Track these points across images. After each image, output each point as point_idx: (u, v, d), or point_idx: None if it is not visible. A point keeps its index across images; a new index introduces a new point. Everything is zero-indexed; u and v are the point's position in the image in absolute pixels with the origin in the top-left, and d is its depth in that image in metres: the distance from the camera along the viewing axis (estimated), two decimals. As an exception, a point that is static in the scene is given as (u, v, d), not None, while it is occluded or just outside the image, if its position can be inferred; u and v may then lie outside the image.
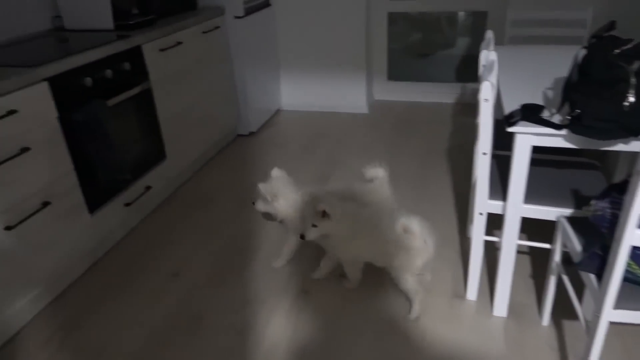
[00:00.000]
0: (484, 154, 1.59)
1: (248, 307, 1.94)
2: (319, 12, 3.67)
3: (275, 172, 2.01)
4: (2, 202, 1.72)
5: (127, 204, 2.37)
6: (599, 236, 1.37)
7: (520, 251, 2.14)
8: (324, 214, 1.77)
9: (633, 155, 1.94)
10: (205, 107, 3.03)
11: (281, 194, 1.97)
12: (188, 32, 2.77)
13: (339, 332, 1.79)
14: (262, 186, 1.98)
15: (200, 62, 2.93)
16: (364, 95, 3.87)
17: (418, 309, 1.83)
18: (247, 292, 2.02)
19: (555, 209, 1.61)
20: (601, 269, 1.30)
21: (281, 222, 2.07)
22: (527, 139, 1.48)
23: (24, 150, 1.78)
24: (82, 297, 2.05)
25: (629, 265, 1.27)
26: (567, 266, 1.59)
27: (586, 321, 1.44)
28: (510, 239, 1.67)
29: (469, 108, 3.87)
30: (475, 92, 3.90)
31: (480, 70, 1.90)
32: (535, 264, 2.07)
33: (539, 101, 1.60)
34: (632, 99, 1.26)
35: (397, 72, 4.08)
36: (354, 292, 1.98)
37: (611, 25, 1.51)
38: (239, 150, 3.37)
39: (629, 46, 1.34)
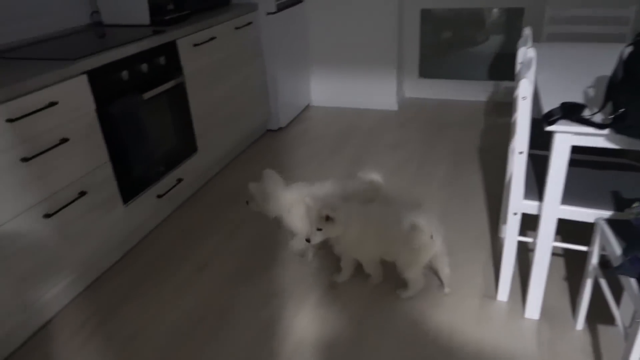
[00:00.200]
0: (521, 153, 1.55)
1: (275, 301, 1.95)
2: (350, 8, 3.65)
3: (267, 173, 2.03)
4: (42, 191, 1.77)
5: (159, 196, 2.41)
6: (641, 240, 1.32)
7: (554, 253, 2.09)
8: (328, 218, 1.77)
9: (677, 157, 1.86)
10: (236, 101, 3.06)
11: (272, 193, 1.99)
12: (221, 27, 2.80)
13: (367, 327, 1.79)
14: (252, 186, 2.01)
15: (232, 58, 2.96)
16: (394, 92, 3.84)
17: (411, 294, 1.89)
18: (274, 286, 2.03)
19: (593, 211, 1.56)
20: (642, 274, 1.26)
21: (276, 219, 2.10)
22: (566, 138, 1.44)
23: (63, 140, 1.83)
24: (114, 285, 2.10)
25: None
26: (605, 269, 1.54)
27: (624, 327, 1.39)
28: (546, 241, 1.63)
29: (501, 107, 3.80)
30: (509, 91, 3.84)
31: (518, 67, 1.85)
32: (569, 267, 2.02)
33: (579, 100, 1.55)
34: (680, 98, 1.21)
35: (428, 69, 4.03)
36: (382, 287, 1.97)
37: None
38: (268, 145, 3.39)
39: (678, 43, 1.28)
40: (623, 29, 2.63)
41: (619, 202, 1.57)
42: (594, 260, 1.56)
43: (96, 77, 1.97)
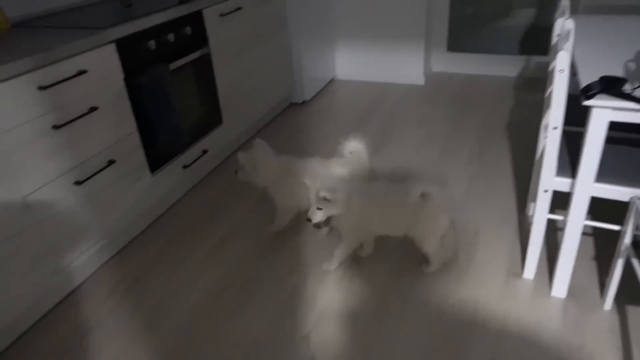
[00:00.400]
0: (555, 128, 1.51)
1: (298, 273, 1.97)
2: (378, -21, 3.56)
3: (257, 142, 2.02)
4: (73, 158, 1.80)
5: (185, 166, 2.43)
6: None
7: (583, 232, 2.05)
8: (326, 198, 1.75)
9: None
10: (261, 73, 3.04)
11: (260, 163, 1.99)
12: (247, -3, 2.77)
13: (389, 301, 1.79)
14: (241, 156, 2.00)
15: (258, 29, 2.93)
16: (421, 66, 3.76)
17: (434, 268, 1.89)
18: (298, 258, 2.05)
19: (629, 189, 1.51)
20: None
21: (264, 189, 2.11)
22: (604, 113, 1.38)
23: (93, 109, 1.85)
24: (141, 253, 2.14)
25: None
26: (638, 250, 1.50)
27: (656, 308, 1.37)
28: (577, 219, 1.60)
29: (532, 83, 3.69)
30: (540, 66, 3.72)
31: (554, 40, 1.79)
32: (599, 246, 1.98)
33: (620, 74, 1.49)
34: None
35: (457, 43, 3.92)
36: (406, 262, 1.96)
37: None
38: (292, 119, 3.37)
39: None
40: (666, 1, 2.51)
41: (657, 181, 1.52)
42: (627, 239, 1.53)
43: (124, 47, 1.97)
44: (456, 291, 1.82)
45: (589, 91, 1.36)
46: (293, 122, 3.33)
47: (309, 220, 1.80)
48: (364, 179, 2.02)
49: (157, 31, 2.14)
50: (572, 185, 1.57)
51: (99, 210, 1.95)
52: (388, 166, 2.66)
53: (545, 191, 1.64)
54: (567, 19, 1.67)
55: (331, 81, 4.01)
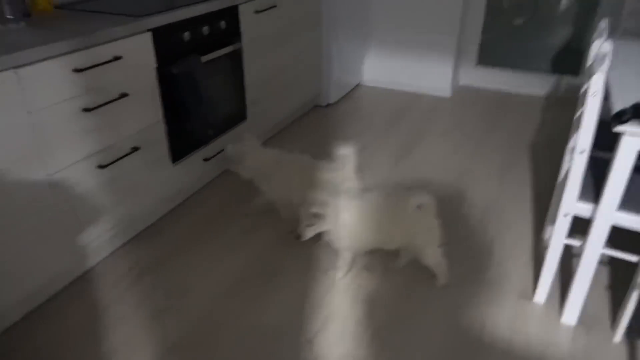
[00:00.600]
0: (582, 152, 1.49)
1: (313, 272, 1.98)
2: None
3: (246, 135, 2.11)
4: (99, 142, 1.84)
5: (206, 159, 2.46)
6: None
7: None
8: (317, 214, 1.73)
9: None
10: (290, 73, 3.06)
11: (248, 156, 2.07)
12: (283, -4, 2.79)
13: (397, 314, 1.79)
14: (229, 148, 2.09)
15: (291, 27, 2.95)
16: (449, 78, 3.74)
17: (444, 280, 1.89)
18: (314, 258, 2.06)
19: (652, 221, 1.49)
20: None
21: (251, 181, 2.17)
22: (635, 140, 1.36)
23: (123, 95, 1.89)
24: (156, 240, 2.17)
25: None
26: (656, 284, 1.47)
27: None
28: (595, 247, 1.57)
29: (560, 103, 3.64)
30: (571, 87, 3.66)
31: (590, 61, 1.76)
32: (613, 275, 1.95)
33: (653, 103, 1.47)
34: None
35: (487, 57, 3.89)
36: (418, 276, 1.95)
37: None
38: (315, 121, 3.38)
39: None
40: None
41: (682, 215, 1.49)
42: (646, 272, 1.50)
43: (159, 36, 2.01)
44: (464, 309, 1.81)
45: (621, 117, 1.34)
46: (316, 124, 3.34)
47: (298, 238, 1.77)
48: (346, 188, 1.97)
49: (192, 23, 2.17)
50: (594, 212, 1.55)
51: (118, 195, 1.99)
52: (408, 177, 2.65)
53: (565, 215, 1.62)
54: (604, 41, 1.65)
55: (357, 86, 4.01)
